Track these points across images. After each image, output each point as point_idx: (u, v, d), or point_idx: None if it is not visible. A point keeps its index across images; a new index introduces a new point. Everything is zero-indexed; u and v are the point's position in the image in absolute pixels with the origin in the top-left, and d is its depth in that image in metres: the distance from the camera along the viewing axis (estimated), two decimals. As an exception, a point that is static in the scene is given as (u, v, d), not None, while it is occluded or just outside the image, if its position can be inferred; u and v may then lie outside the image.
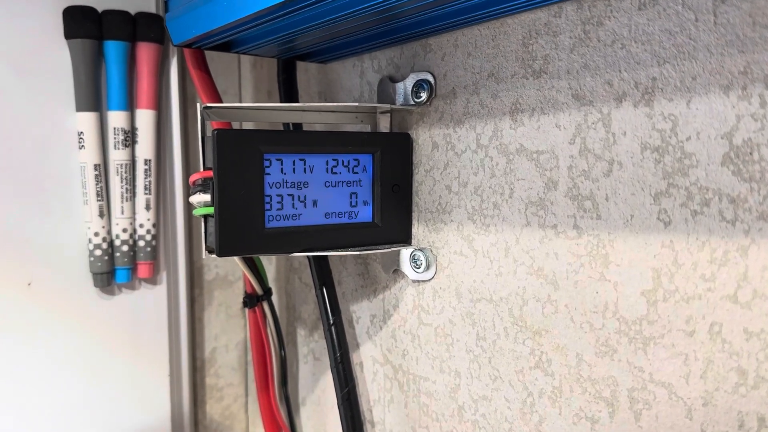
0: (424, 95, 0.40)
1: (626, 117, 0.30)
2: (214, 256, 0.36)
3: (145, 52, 0.49)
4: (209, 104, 0.37)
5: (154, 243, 0.51)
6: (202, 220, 0.38)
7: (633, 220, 0.30)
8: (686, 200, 0.29)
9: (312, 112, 0.41)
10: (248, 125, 0.57)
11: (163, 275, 0.53)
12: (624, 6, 0.30)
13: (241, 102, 0.60)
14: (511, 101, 0.36)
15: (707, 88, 0.28)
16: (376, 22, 0.35)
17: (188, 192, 0.40)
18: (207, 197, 0.37)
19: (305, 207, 0.38)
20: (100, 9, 0.47)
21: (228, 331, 0.61)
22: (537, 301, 0.35)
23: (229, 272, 0.60)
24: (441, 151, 0.40)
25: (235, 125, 0.55)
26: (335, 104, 0.38)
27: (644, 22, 0.30)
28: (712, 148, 0.27)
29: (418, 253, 0.41)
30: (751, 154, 0.26)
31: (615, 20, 0.31)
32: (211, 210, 0.36)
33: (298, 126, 0.45)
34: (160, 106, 0.51)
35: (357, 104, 0.39)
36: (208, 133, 0.36)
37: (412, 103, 0.40)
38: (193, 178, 0.38)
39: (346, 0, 0.31)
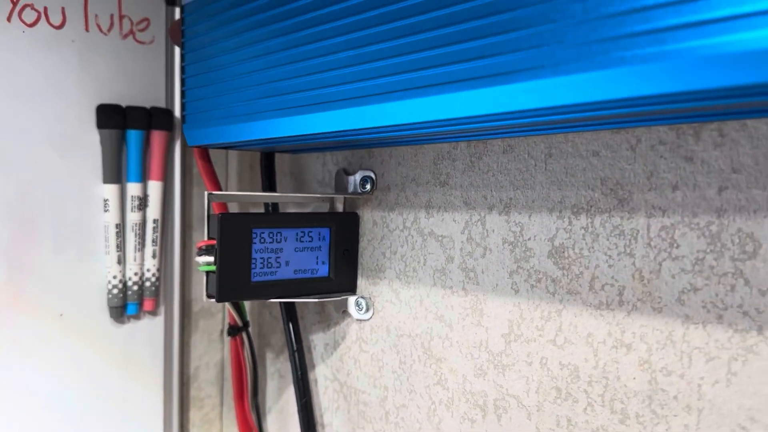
0: (368, 186, 0.51)
1: (494, 220, 0.42)
2: (213, 300, 0.50)
3: (157, 137, 0.60)
4: (213, 192, 0.51)
5: (157, 283, 0.62)
6: (205, 274, 0.51)
7: (498, 287, 0.42)
8: (528, 277, 0.40)
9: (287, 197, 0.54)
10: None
11: (162, 308, 0.63)
12: (494, 149, 0.43)
13: (227, 176, 0.72)
14: (426, 199, 0.47)
15: (540, 208, 0.40)
16: (339, 142, 0.47)
17: (183, 244, 0.53)
18: (210, 258, 0.49)
19: (280, 266, 0.50)
20: (124, 105, 0.59)
21: (209, 353, 0.69)
22: (439, 338, 0.46)
23: (212, 306, 0.70)
24: (379, 228, 0.51)
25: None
26: (303, 195, 0.51)
27: (506, 161, 0.42)
28: (542, 246, 0.39)
29: (361, 300, 0.52)
30: (563, 252, 0.39)
31: (488, 157, 0.43)
32: (213, 268, 0.49)
33: (276, 205, 0.58)
34: (166, 178, 0.62)
35: (320, 195, 0.51)
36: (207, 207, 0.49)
37: (360, 191, 0.52)
38: (199, 244, 0.50)
39: (323, 133, 0.39)
